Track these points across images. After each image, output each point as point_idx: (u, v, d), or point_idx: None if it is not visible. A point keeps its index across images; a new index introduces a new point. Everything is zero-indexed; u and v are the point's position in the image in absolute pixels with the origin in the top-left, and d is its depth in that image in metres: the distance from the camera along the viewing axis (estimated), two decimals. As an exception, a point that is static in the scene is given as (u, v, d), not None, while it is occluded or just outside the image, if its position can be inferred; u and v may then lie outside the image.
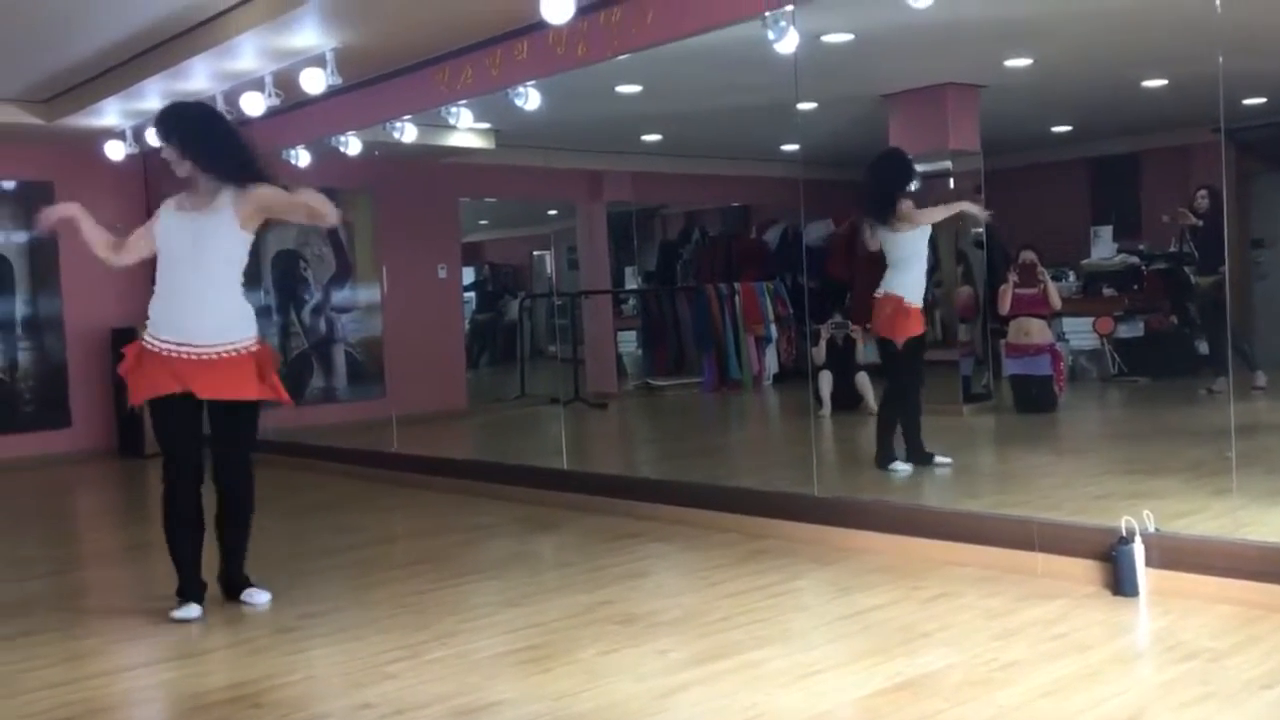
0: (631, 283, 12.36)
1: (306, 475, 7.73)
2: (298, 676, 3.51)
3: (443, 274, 10.34)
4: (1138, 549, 3.87)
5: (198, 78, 6.98)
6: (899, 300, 5.83)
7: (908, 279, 5.85)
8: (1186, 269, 9.44)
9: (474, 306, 13.32)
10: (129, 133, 8.36)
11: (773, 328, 11.15)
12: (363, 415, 9.12)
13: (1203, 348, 9.13)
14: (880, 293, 5.88)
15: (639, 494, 5.78)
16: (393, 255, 9.42)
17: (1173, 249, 9.81)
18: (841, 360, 8.58)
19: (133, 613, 4.30)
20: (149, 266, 4.46)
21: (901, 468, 5.82)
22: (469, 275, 12.87)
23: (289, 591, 4.47)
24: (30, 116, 8.26)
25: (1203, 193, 8.79)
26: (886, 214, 5.77)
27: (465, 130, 7.75)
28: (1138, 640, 3.58)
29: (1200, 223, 8.70)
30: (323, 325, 9.87)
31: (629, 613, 3.98)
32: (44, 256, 9.27)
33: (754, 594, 4.15)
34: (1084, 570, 4.04)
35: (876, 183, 5.93)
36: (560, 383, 10.12)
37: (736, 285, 11.16)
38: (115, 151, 8.45)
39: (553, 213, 12.47)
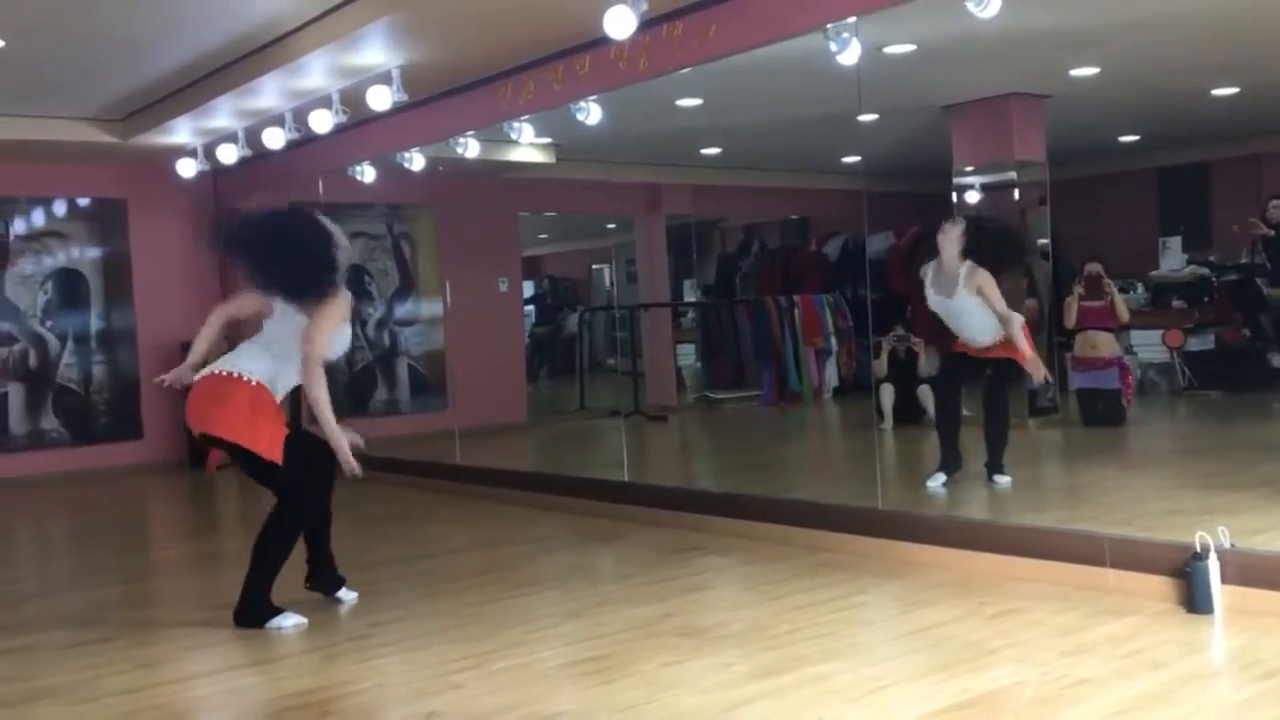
0: (690, 296, 12.36)
1: (371, 487, 7.75)
2: (367, 684, 3.55)
3: (503, 287, 10.43)
4: (1213, 565, 3.79)
5: (267, 96, 7.13)
6: None
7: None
8: (1259, 280, 9.24)
9: (534, 319, 13.41)
10: (200, 150, 8.55)
11: (833, 340, 11.08)
12: (425, 427, 9.21)
13: (1276, 361, 8.93)
14: None
15: (699, 507, 5.78)
16: (454, 269, 9.53)
17: (1244, 260, 9.61)
18: (903, 373, 8.50)
19: (204, 621, 4.38)
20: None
21: (931, 483, 5.77)
22: (529, 288, 12.97)
23: (359, 600, 4.54)
24: (105, 135, 8.49)
25: (1275, 202, 8.61)
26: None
27: (526, 145, 7.83)
28: (1213, 658, 3.50)
29: (1272, 233, 8.51)
30: (386, 339, 10.01)
31: (691, 625, 3.97)
32: (118, 272, 9.51)
33: (818, 608, 4.12)
34: (1157, 587, 3.97)
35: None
36: (620, 395, 10.15)
37: (796, 298, 11.11)
38: (187, 169, 8.65)
39: (612, 226, 12.52)
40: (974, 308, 5.70)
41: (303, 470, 4.27)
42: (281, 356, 4.26)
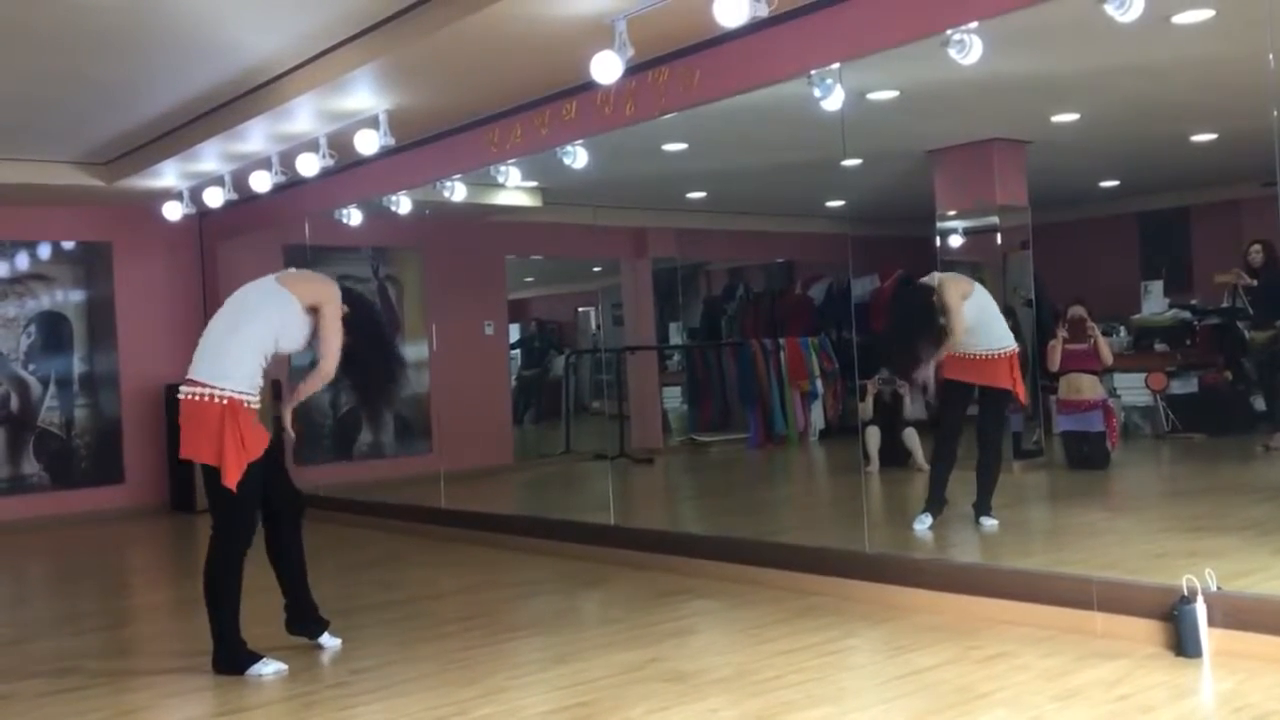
0: (676, 338, 12.38)
1: (355, 530, 7.76)
2: (348, 732, 3.50)
3: (489, 331, 10.43)
4: (1200, 609, 3.78)
5: (254, 140, 7.15)
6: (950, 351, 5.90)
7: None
8: (1240, 324, 9.30)
9: (520, 363, 13.40)
10: (186, 194, 8.56)
11: (818, 383, 11.09)
12: (410, 471, 9.16)
13: (1259, 404, 8.96)
14: None
15: (686, 550, 5.75)
16: (440, 313, 9.52)
17: (1226, 304, 9.68)
18: (889, 415, 8.51)
19: (184, 668, 4.32)
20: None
21: (918, 525, 5.76)
22: (515, 332, 12.97)
23: (341, 646, 4.49)
24: (92, 179, 8.49)
25: (1256, 247, 8.68)
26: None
27: (513, 189, 7.86)
28: (1202, 702, 3.48)
29: (1254, 282, 8.58)
30: (372, 381, 9.95)
31: (678, 670, 3.94)
32: (102, 315, 9.48)
33: (805, 652, 4.09)
34: (1145, 630, 3.96)
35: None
36: (606, 438, 10.11)
37: (781, 341, 11.14)
38: (173, 212, 8.65)
39: (598, 269, 12.56)
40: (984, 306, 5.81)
41: (241, 504, 4.21)
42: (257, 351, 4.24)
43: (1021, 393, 5.99)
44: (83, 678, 4.26)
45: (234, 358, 4.18)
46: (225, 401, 4.14)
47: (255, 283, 4.37)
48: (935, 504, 5.81)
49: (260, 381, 4.26)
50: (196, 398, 4.17)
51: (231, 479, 4.12)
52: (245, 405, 4.17)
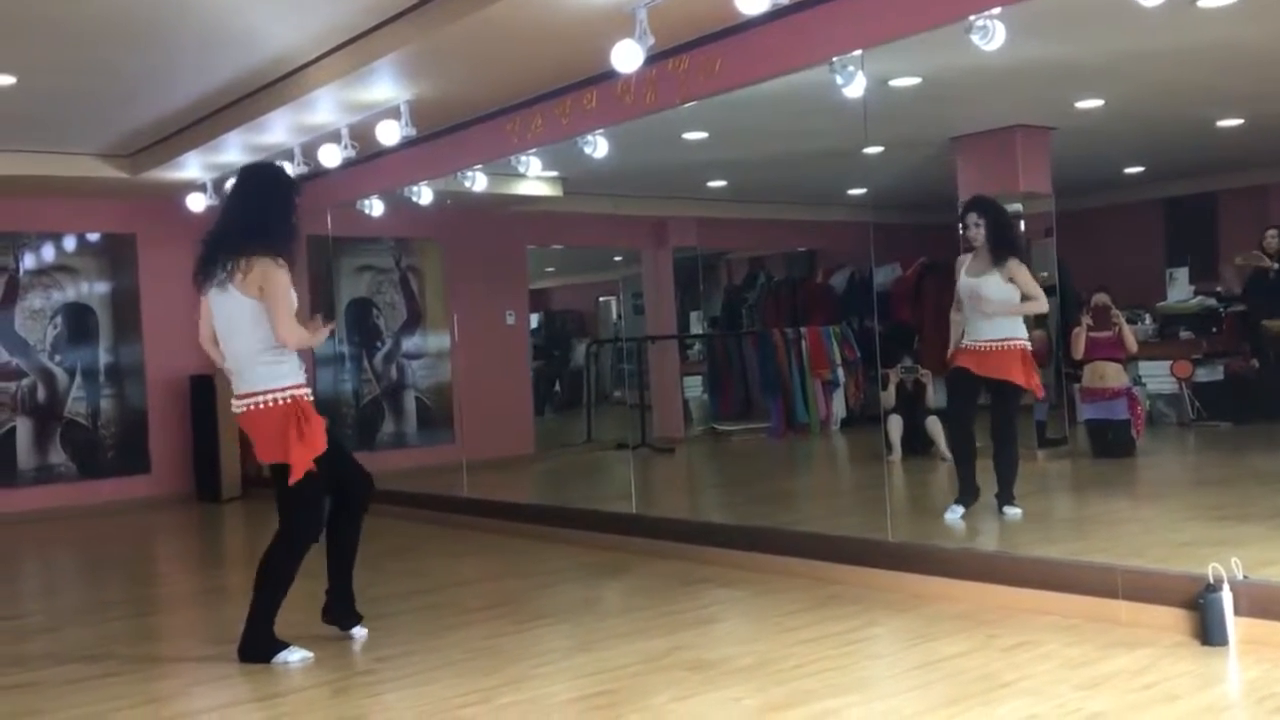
0: (697, 328, 12.38)
1: (378, 520, 7.69)
2: (373, 720, 3.53)
3: (511, 320, 10.46)
4: (1226, 597, 3.76)
5: (276, 131, 7.18)
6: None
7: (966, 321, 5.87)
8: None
9: (541, 352, 13.43)
10: (209, 185, 8.60)
11: (840, 372, 11.07)
12: (433, 460, 9.20)
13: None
14: None
15: (708, 539, 5.75)
16: (462, 303, 9.56)
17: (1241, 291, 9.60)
18: (911, 404, 8.48)
19: (211, 656, 4.36)
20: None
21: (949, 515, 5.73)
22: (536, 321, 13.00)
23: (366, 636, 4.51)
24: (115, 171, 8.55)
25: (1273, 232, 8.62)
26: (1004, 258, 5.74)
27: (534, 178, 7.87)
28: (1229, 691, 3.47)
29: (1276, 265, 8.51)
30: (394, 372, 10.02)
31: (700, 659, 3.95)
32: (127, 306, 9.55)
33: (828, 641, 4.09)
34: (1170, 619, 3.93)
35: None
36: (627, 427, 10.13)
37: (803, 330, 11.12)
38: (196, 204, 8.69)
39: (618, 259, 12.57)
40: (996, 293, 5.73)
41: (309, 502, 4.25)
42: (269, 347, 4.22)
43: (1037, 387, 5.87)
44: (111, 665, 4.30)
45: (273, 358, 4.21)
46: (289, 400, 4.18)
47: (224, 298, 4.29)
48: (967, 494, 5.77)
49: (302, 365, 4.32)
50: (258, 406, 4.20)
51: (297, 474, 4.15)
52: (305, 398, 4.22)
